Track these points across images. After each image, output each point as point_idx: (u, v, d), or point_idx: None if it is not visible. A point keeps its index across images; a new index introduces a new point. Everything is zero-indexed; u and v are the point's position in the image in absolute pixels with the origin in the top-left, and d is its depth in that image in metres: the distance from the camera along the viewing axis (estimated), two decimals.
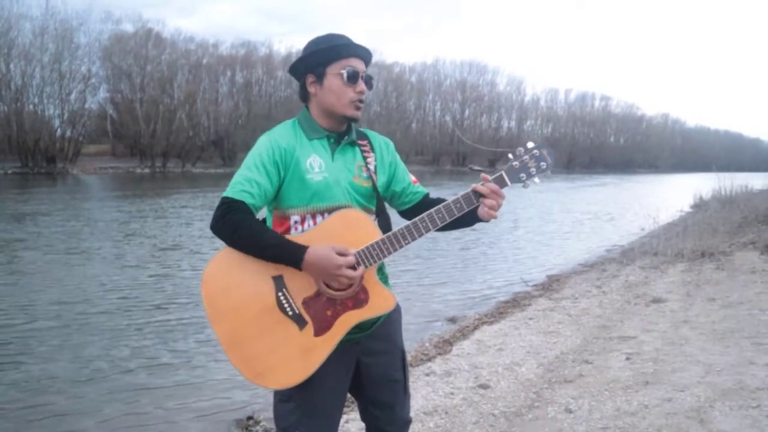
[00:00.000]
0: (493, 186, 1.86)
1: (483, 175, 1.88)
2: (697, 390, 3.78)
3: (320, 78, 1.90)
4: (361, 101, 1.91)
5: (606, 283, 7.77)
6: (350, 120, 1.94)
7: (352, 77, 1.88)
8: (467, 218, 1.92)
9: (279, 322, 1.80)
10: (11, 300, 7.30)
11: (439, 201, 1.94)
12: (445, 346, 5.26)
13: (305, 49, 1.94)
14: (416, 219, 1.85)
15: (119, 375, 4.99)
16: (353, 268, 1.78)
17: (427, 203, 2.03)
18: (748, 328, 5.09)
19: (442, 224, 1.86)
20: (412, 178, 2.10)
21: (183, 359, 5.37)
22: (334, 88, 1.88)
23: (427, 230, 1.85)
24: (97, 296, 7.58)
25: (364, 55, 1.94)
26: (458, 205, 1.87)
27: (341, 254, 1.76)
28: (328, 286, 1.81)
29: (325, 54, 1.89)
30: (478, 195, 1.87)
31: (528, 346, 5.04)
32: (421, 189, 2.10)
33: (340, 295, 1.82)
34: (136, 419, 4.21)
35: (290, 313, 1.81)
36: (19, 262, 9.71)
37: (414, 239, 1.85)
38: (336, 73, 1.88)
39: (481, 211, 1.88)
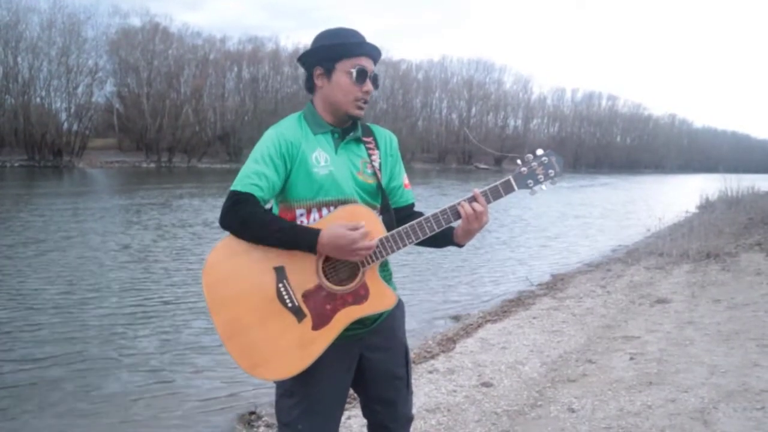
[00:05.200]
0: (476, 208, 1.84)
1: (475, 190, 1.86)
2: (701, 391, 3.76)
3: (329, 72, 1.89)
4: (365, 101, 1.91)
5: (610, 283, 7.74)
6: (353, 119, 1.94)
7: (361, 76, 1.87)
8: (443, 236, 1.92)
9: (278, 314, 1.80)
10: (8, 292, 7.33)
11: (419, 214, 1.93)
12: (448, 343, 5.26)
13: (317, 40, 1.93)
14: (421, 219, 1.85)
15: (120, 370, 5.00)
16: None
17: (406, 214, 2.01)
18: (753, 329, 5.06)
19: (447, 225, 1.87)
20: (406, 181, 2.08)
21: (184, 353, 5.38)
22: (341, 85, 1.88)
23: (432, 230, 1.85)
24: (94, 291, 7.60)
25: (374, 54, 1.93)
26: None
27: (353, 229, 1.76)
28: (339, 265, 1.80)
29: (336, 49, 1.88)
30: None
31: (532, 345, 5.03)
32: (409, 195, 2.08)
33: (341, 290, 1.82)
34: (138, 415, 4.21)
35: (290, 304, 1.80)
36: (22, 255, 9.77)
37: (418, 239, 1.85)
38: (345, 71, 1.87)
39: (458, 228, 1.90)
